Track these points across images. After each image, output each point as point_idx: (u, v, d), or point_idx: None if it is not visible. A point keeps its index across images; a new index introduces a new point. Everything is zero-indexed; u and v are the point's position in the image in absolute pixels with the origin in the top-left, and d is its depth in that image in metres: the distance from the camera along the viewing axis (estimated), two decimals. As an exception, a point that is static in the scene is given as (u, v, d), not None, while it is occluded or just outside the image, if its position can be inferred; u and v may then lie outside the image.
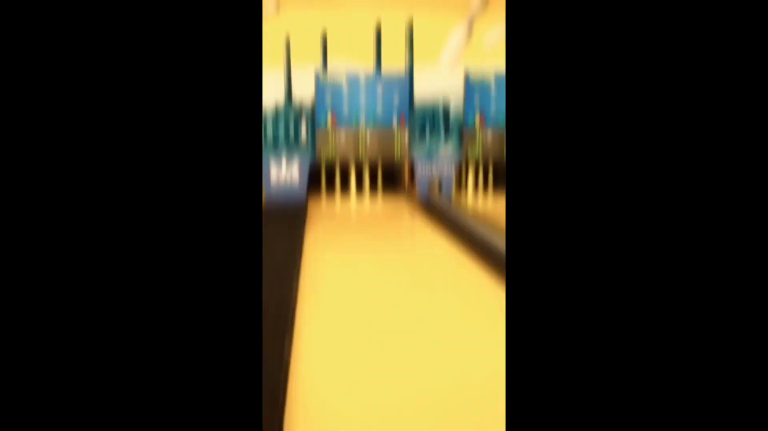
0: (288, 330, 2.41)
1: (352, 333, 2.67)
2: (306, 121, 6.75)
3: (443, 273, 3.93)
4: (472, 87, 6.83)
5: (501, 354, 2.41)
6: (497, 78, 6.80)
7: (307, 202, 6.67)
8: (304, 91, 6.81)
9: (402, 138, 6.67)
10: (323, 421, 1.95)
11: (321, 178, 7.14)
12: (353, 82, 6.63)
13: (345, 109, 6.64)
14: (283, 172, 6.66)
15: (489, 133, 6.87)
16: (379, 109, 6.66)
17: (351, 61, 6.89)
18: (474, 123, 6.85)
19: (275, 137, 6.68)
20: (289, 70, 6.80)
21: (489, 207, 6.58)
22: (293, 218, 5.47)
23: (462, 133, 6.87)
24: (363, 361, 2.40)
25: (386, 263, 4.26)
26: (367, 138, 6.66)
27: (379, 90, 6.64)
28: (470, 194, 7.37)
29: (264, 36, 6.22)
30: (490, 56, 7.02)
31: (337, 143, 6.67)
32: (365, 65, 6.83)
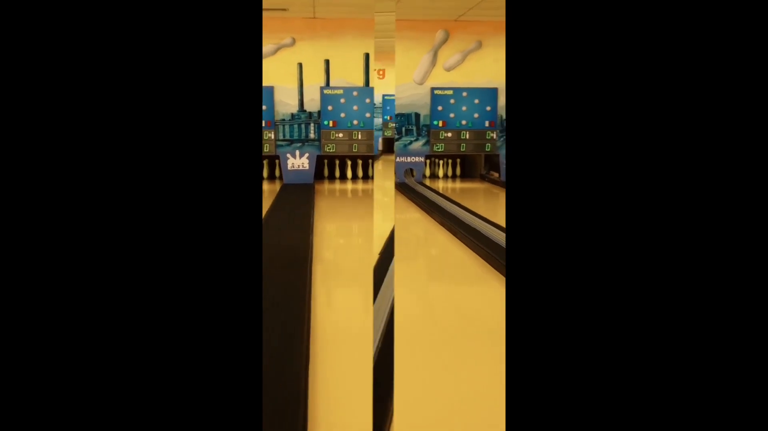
0: (307, 269, 3.61)
1: (348, 270, 4.07)
2: (313, 124, 8.38)
3: (415, 233, 5.29)
4: (436, 98, 8.49)
5: (453, 289, 3.51)
6: (455, 91, 8.47)
7: (314, 182, 8.32)
8: (313, 102, 8.33)
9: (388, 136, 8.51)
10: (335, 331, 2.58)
11: (324, 165, 8.84)
12: (348, 95, 8.34)
13: (342, 115, 8.36)
14: (296, 161, 8.36)
15: (449, 133, 8.60)
16: (368, 114, 8.36)
17: (347, 80, 8.36)
18: (438, 125, 8.55)
19: (291, 135, 8.34)
20: (301, 86, 8.25)
21: (456, 188, 8.13)
22: (304, 193, 7.11)
23: (429, 132, 8.58)
24: (357, 283, 3.63)
25: (372, 226, 5.80)
26: (359, 136, 8.43)
27: (368, 101, 8.33)
28: (441, 178, 8.94)
29: (283, 62, 8.15)
30: (450, 76, 8.49)
31: (336, 140, 8.42)
32: (357, 83, 8.34)
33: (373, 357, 2.42)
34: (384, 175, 8.75)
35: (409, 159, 8.63)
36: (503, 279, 3.46)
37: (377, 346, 2.53)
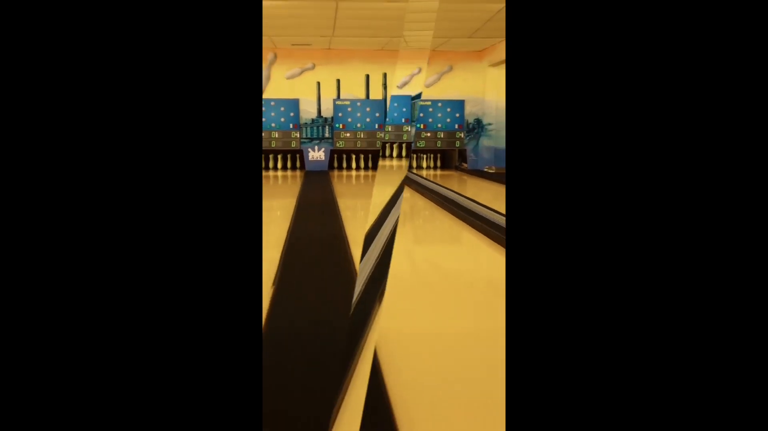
0: (339, 215, 6.05)
1: (359, 223, 5.84)
2: (328, 126, 10.88)
3: (406, 207, 7.26)
4: (418, 107, 11.09)
5: (435, 247, 5.31)
6: (432, 102, 10.99)
7: (328, 170, 10.78)
8: (327, 110, 10.88)
9: (381, 136, 10.94)
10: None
11: (335, 158, 11.20)
12: (354, 104, 10.85)
13: (349, 119, 10.86)
14: (315, 154, 10.86)
15: (429, 133, 11.14)
16: (368, 119, 10.91)
17: (353, 94, 10.88)
18: (420, 127, 11.04)
19: (311, 135, 10.89)
20: (319, 99, 10.81)
21: (436, 174, 10.48)
22: (322, 178, 9.50)
23: (414, 133, 11.19)
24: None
25: (373, 200, 8.17)
26: (361, 136, 10.97)
27: (368, 109, 10.87)
28: (424, 168, 11.35)
29: (306, 81, 10.81)
30: (429, 91, 11.02)
31: (345, 138, 10.95)
32: (360, 95, 10.87)
33: (358, 295, 2.97)
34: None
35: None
36: (478, 234, 4.92)
37: (361, 289, 3.09)
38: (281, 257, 4.01)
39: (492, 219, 5.19)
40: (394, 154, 11.32)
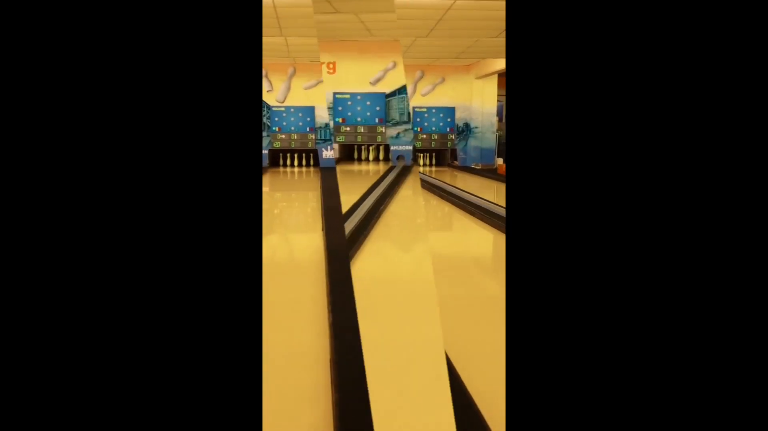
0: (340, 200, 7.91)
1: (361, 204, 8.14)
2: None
3: (405, 193, 9.22)
4: (416, 113, 12.67)
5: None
6: (428, 109, 12.66)
7: (335, 165, 12.38)
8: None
9: (383, 132, 12.71)
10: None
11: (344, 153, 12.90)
12: (353, 100, 12.88)
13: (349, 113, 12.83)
14: (328, 153, 12.48)
15: (424, 135, 12.91)
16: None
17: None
18: (417, 130, 12.75)
19: (324, 137, 12.54)
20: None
21: (432, 170, 12.11)
22: (332, 171, 11.30)
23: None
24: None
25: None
26: (364, 131, 12.81)
27: (368, 103, 12.85)
28: (421, 165, 12.89)
29: (319, 91, 12.54)
30: (425, 99, 12.66)
31: (346, 133, 12.64)
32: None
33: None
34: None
35: (400, 147, 12.88)
36: (470, 217, 5.94)
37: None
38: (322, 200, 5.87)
39: (480, 205, 6.53)
40: (371, 157, 12.76)
